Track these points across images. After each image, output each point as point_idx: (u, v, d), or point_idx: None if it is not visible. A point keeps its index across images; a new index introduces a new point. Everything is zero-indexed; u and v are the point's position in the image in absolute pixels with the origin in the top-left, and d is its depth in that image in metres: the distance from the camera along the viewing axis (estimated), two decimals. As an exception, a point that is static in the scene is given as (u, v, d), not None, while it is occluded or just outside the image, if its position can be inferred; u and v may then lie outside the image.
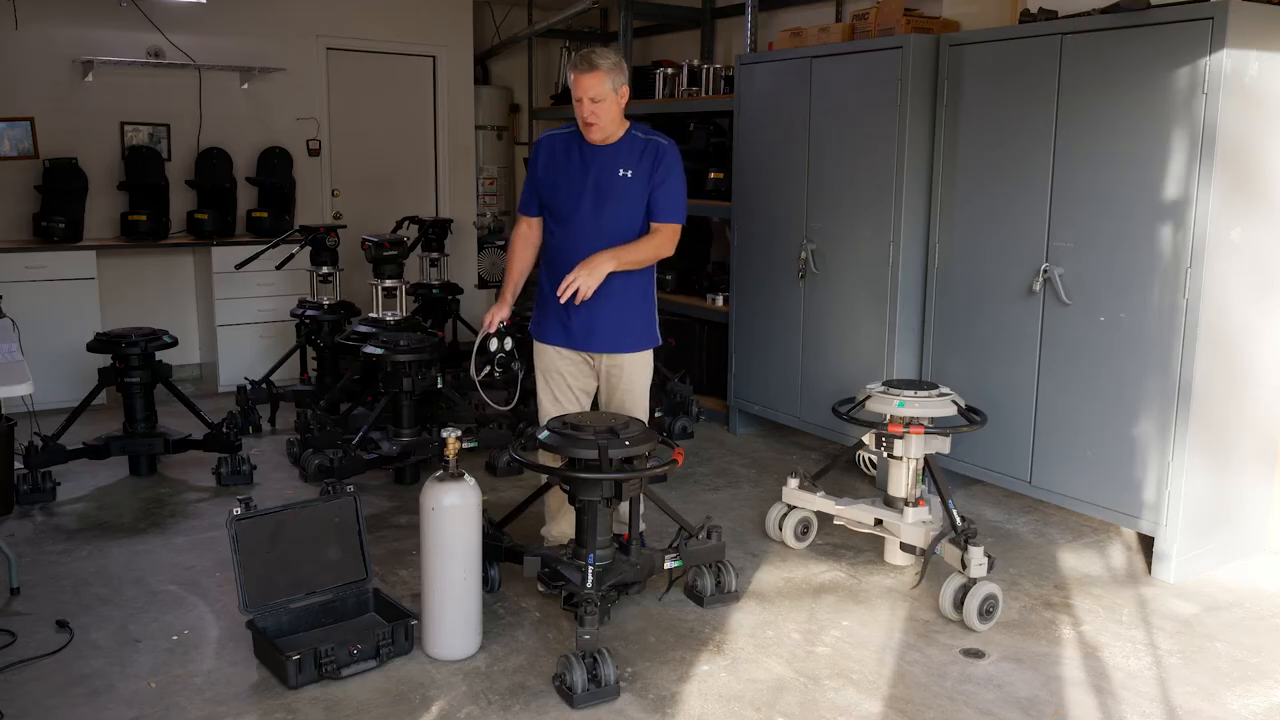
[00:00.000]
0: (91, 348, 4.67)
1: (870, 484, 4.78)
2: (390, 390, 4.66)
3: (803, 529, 4.04)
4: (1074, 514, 4.34)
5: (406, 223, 6.87)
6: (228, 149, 6.68)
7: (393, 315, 5.42)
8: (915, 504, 3.66)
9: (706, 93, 6.05)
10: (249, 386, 5.61)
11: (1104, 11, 3.77)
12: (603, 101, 3.36)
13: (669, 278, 6.15)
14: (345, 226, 6.21)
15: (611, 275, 3.43)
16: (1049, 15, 3.98)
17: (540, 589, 3.50)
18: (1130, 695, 2.98)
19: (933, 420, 3.68)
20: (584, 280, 3.33)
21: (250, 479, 4.71)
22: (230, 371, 6.36)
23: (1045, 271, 4.00)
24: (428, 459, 4.71)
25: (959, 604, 3.36)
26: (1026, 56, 4.02)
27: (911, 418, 3.66)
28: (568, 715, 2.84)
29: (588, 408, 3.71)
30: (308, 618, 3.21)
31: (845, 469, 4.93)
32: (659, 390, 5.17)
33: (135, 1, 6.26)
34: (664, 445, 3.42)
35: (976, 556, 3.31)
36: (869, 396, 3.76)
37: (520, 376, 3.64)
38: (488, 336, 3.58)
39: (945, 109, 4.38)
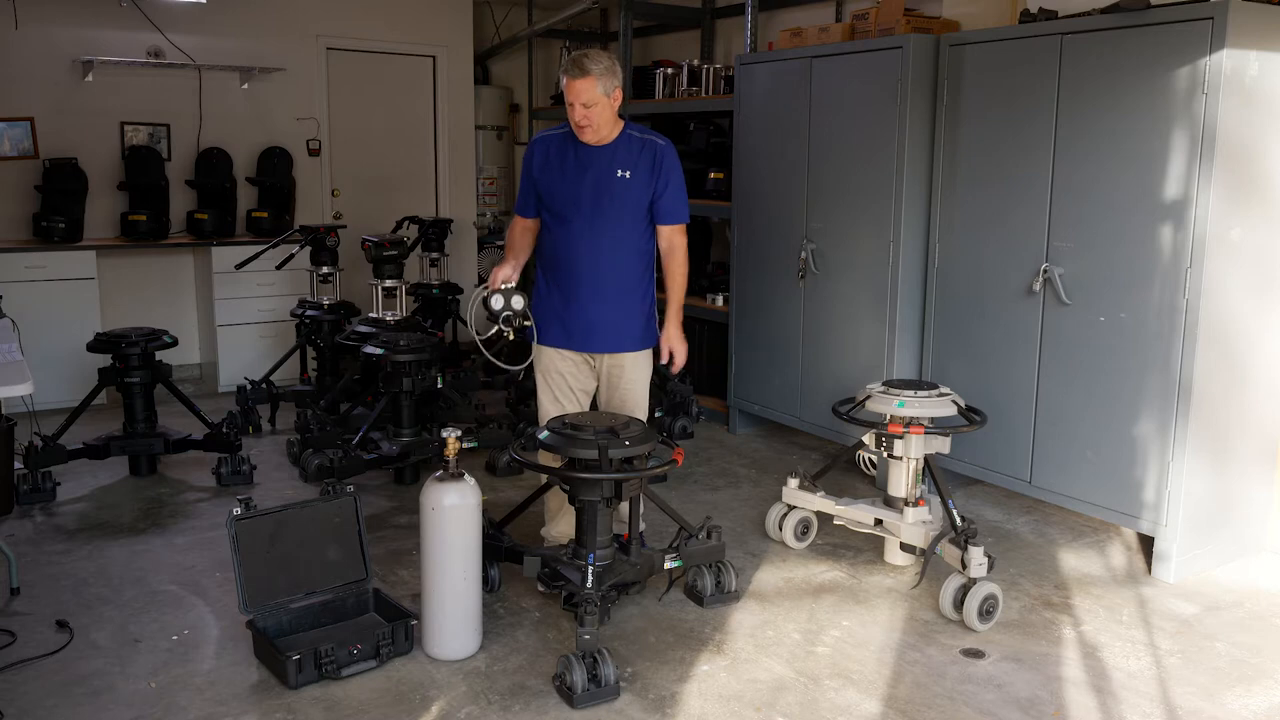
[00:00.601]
0: (91, 348, 4.67)
1: (870, 484, 4.78)
2: (390, 390, 4.66)
3: (803, 529, 4.04)
4: (1074, 514, 4.34)
5: (406, 223, 6.87)
6: (228, 149, 6.69)
7: (393, 315, 5.43)
8: (915, 504, 3.66)
9: (706, 93, 6.05)
10: (249, 386, 5.61)
11: (1104, 11, 3.77)
12: (595, 106, 3.36)
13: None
14: (345, 226, 6.22)
15: (613, 275, 3.46)
16: (1049, 15, 3.98)
17: (540, 589, 3.49)
18: (1130, 695, 2.98)
19: (933, 420, 3.68)
20: (681, 352, 3.66)
21: (250, 479, 4.71)
22: (230, 371, 6.36)
23: (1045, 271, 4.00)
24: (428, 459, 4.71)
25: (959, 604, 3.36)
26: (1026, 56, 4.02)
27: (911, 418, 3.66)
28: (568, 715, 2.84)
29: (588, 408, 3.71)
30: (308, 618, 3.21)
31: (845, 469, 4.93)
32: (659, 390, 5.17)
33: (135, 1, 6.26)
34: (664, 445, 3.42)
35: (976, 556, 3.31)
36: (869, 396, 3.76)
37: (534, 336, 3.56)
38: (492, 293, 3.45)
39: (945, 109, 4.38)
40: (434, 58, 7.59)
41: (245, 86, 6.79)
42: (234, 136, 6.75)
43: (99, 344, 4.65)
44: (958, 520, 3.50)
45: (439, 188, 7.81)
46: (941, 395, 3.69)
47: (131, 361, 4.64)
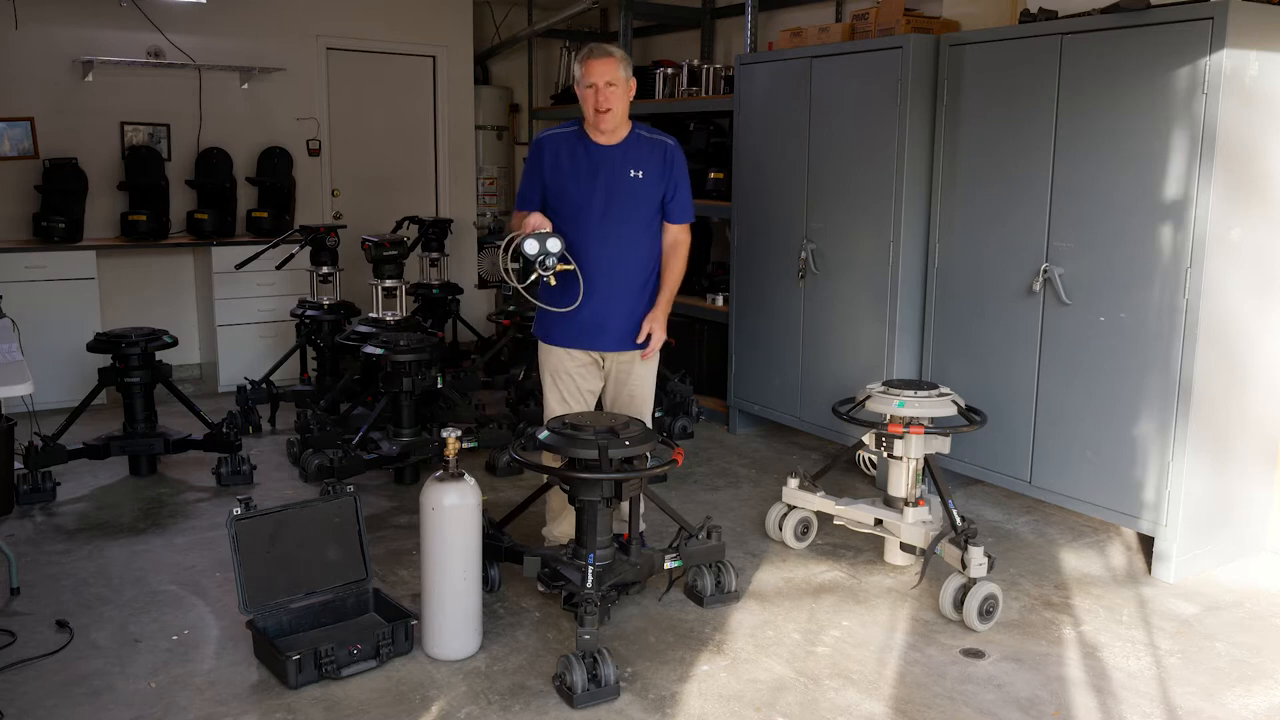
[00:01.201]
0: (91, 348, 4.67)
1: (870, 484, 4.78)
2: (390, 390, 4.65)
3: (803, 529, 4.04)
4: (1074, 514, 4.34)
5: (406, 223, 6.88)
6: (228, 149, 6.69)
7: (393, 315, 5.43)
8: (915, 504, 3.66)
9: (706, 93, 6.04)
10: (249, 386, 5.61)
11: (1104, 11, 3.77)
12: (617, 86, 3.38)
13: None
14: (345, 226, 6.22)
15: (623, 275, 3.49)
16: (1049, 15, 3.98)
17: (540, 589, 3.49)
18: (1130, 695, 2.98)
19: (933, 420, 3.68)
20: (659, 337, 3.57)
21: (250, 479, 4.71)
22: (230, 371, 6.36)
23: (1045, 271, 4.00)
24: (428, 459, 4.71)
25: (959, 604, 3.36)
26: (1026, 56, 4.02)
27: (911, 418, 3.66)
28: (568, 715, 2.84)
29: (594, 409, 3.71)
30: (308, 618, 3.21)
31: (845, 469, 4.93)
32: (659, 390, 5.17)
33: (135, 1, 6.26)
34: (664, 445, 3.42)
35: (976, 556, 3.31)
36: (869, 396, 3.76)
37: (581, 280, 3.42)
38: (525, 238, 3.29)
39: (945, 109, 4.38)
40: (434, 58, 7.60)
41: (245, 86, 6.79)
42: (234, 136, 6.75)
43: (99, 344, 4.65)
44: (958, 520, 3.49)
45: (439, 188, 7.81)
46: (941, 395, 3.68)
47: (131, 361, 4.64)
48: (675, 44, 7.33)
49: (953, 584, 3.40)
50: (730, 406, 5.66)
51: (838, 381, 4.81)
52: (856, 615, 3.46)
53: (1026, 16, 4.08)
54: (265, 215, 6.64)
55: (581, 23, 7.83)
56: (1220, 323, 3.63)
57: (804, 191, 4.97)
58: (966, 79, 4.28)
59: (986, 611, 3.34)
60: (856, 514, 3.81)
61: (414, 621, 3.16)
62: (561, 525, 3.70)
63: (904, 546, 3.77)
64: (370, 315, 5.46)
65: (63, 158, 6.13)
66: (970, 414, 3.76)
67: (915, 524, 3.63)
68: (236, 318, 6.43)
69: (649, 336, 3.56)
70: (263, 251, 5.63)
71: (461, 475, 3.07)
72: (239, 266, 5.65)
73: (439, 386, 4.80)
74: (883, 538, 3.85)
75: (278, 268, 5.91)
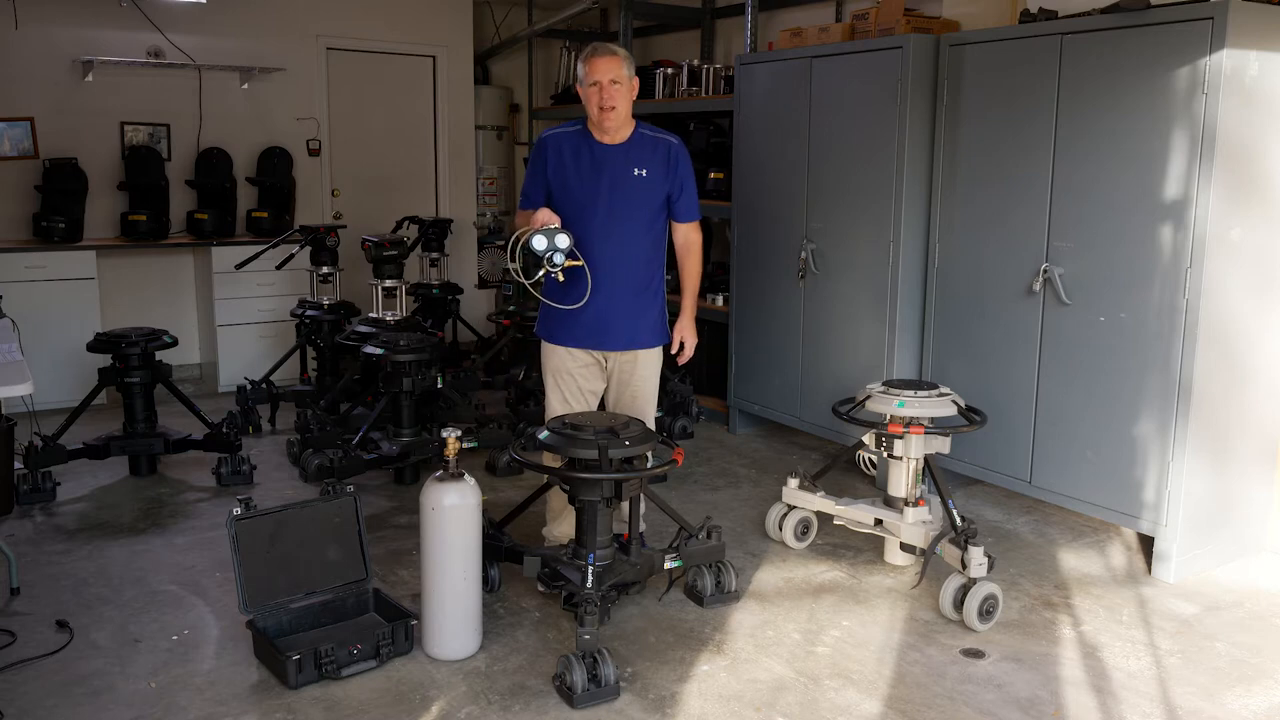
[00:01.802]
0: (91, 348, 4.67)
1: (870, 484, 4.78)
2: (390, 390, 4.65)
3: (803, 529, 4.04)
4: (1074, 514, 4.34)
5: (406, 223, 6.88)
6: (228, 149, 6.69)
7: (393, 315, 5.43)
8: (915, 504, 3.66)
9: (706, 93, 6.04)
10: (249, 386, 5.61)
11: (1104, 11, 3.77)
12: (621, 85, 3.39)
13: (669, 278, 6.11)
14: (345, 226, 6.22)
15: (627, 274, 3.50)
16: (1049, 15, 3.98)
17: (540, 589, 3.49)
18: (1130, 695, 2.98)
19: (933, 420, 3.68)
20: (692, 343, 3.74)
21: (250, 479, 4.70)
22: (230, 371, 6.36)
23: (1045, 271, 4.00)
24: (428, 459, 4.71)
25: (959, 604, 3.36)
26: (1026, 56, 4.02)
27: (911, 418, 3.66)
28: (568, 715, 2.84)
29: (595, 408, 3.71)
30: (308, 618, 3.21)
31: (845, 469, 4.93)
32: (659, 390, 5.17)
33: (135, 1, 6.26)
34: (664, 445, 3.42)
35: (976, 556, 3.31)
36: (869, 396, 3.76)
37: (589, 277, 3.41)
38: (534, 234, 3.27)
39: (945, 109, 4.38)
40: (434, 58, 7.60)
41: (245, 86, 6.79)
42: (234, 136, 6.75)
43: (99, 344, 4.65)
44: (958, 520, 3.49)
45: (439, 188, 7.81)
46: (941, 395, 3.68)
47: (131, 361, 4.64)
48: (675, 44, 7.33)
49: (953, 584, 3.40)
50: (730, 406, 5.66)
51: (838, 381, 4.81)
52: (856, 615, 3.46)
53: (1026, 16, 4.08)
54: (265, 215, 6.64)
55: (581, 23, 7.83)
56: (1220, 323, 3.63)
57: (804, 191, 4.96)
58: (966, 79, 4.28)
59: (986, 611, 3.34)
60: (856, 514, 3.81)
61: (414, 621, 3.16)
62: (561, 526, 3.70)
63: (904, 546, 3.77)
64: (370, 315, 5.47)
65: (63, 158, 6.13)
66: (970, 414, 3.76)
67: (915, 524, 3.63)
68: (236, 318, 6.43)
69: (649, 336, 3.58)
70: (263, 251, 5.63)
71: (461, 475, 3.07)
72: (239, 266, 5.65)
73: (439, 386, 4.80)
74: (883, 538, 3.85)
75: (278, 268, 5.91)
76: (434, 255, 6.81)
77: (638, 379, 3.65)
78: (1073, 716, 2.88)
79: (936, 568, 3.56)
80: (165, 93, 6.53)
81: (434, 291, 6.71)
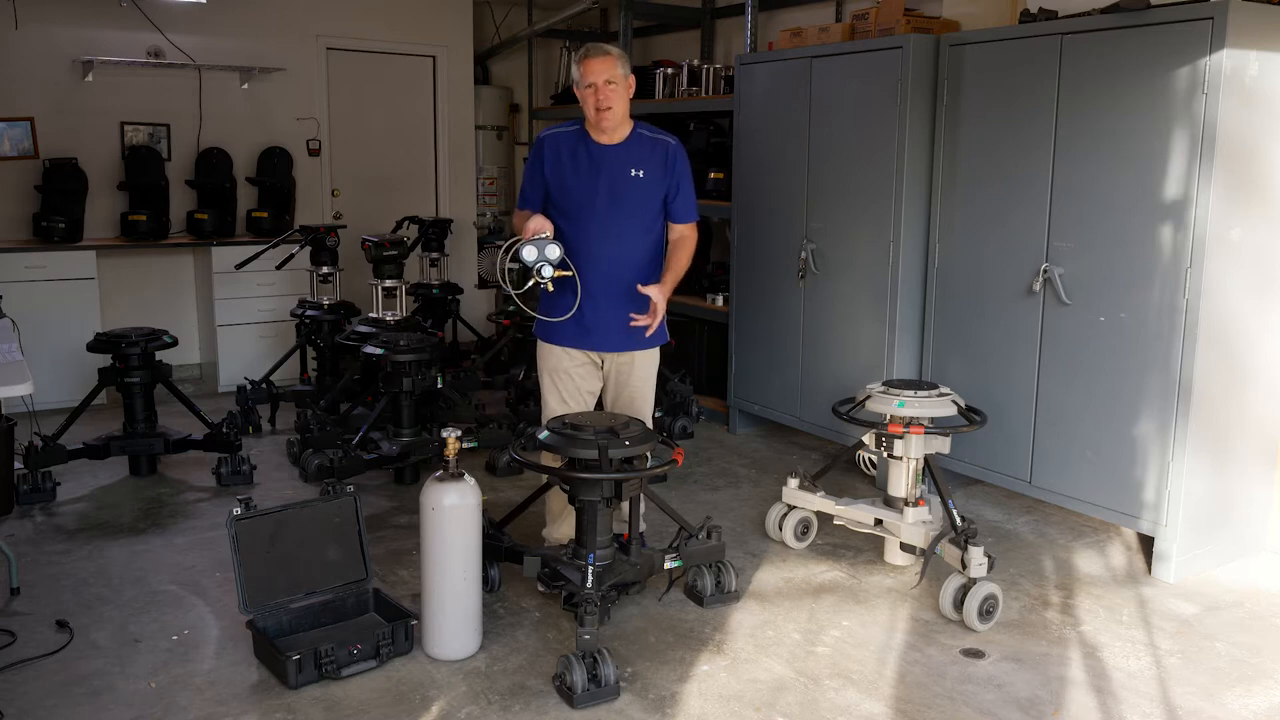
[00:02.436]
0: (91, 348, 4.67)
1: (870, 484, 4.78)
2: (390, 390, 4.65)
3: (803, 529, 4.04)
4: (1074, 514, 4.34)
5: (406, 223, 6.88)
6: (228, 149, 6.69)
7: (393, 315, 5.42)
8: (915, 504, 3.66)
9: (706, 93, 6.05)
10: (249, 386, 5.61)
11: (1104, 11, 3.77)
12: (616, 85, 3.38)
13: (669, 278, 6.13)
14: (345, 226, 6.22)
15: (624, 275, 3.48)
16: (1049, 15, 3.98)
17: (540, 589, 3.49)
18: (1130, 695, 2.98)
19: (933, 420, 3.68)
20: (660, 304, 3.44)
21: (250, 479, 4.70)
22: (230, 371, 6.36)
23: (1045, 271, 4.00)
24: (428, 459, 4.71)
25: (959, 604, 3.36)
26: (1026, 56, 4.02)
27: (911, 418, 3.66)
28: (568, 715, 2.84)
29: (593, 408, 3.70)
30: (308, 618, 3.21)
31: (845, 469, 4.93)
32: (659, 390, 5.17)
33: (135, 1, 6.26)
34: (664, 445, 3.42)
35: (976, 556, 3.31)
36: (869, 396, 3.76)
37: (581, 294, 3.39)
38: (525, 244, 3.28)
39: (945, 109, 4.38)
40: (434, 58, 7.59)
41: (245, 86, 6.79)
42: (234, 136, 6.75)
43: (99, 344, 4.65)
44: (958, 520, 3.49)
45: (439, 188, 7.81)
46: (941, 395, 3.68)
47: (131, 361, 4.64)
48: (675, 44, 7.33)
49: (953, 584, 3.40)
50: (730, 406, 5.66)
51: (838, 381, 4.81)
52: (856, 615, 3.46)
53: (1026, 16, 4.08)
54: (265, 215, 6.64)
55: (581, 23, 7.83)
56: (1220, 323, 3.63)
57: (804, 191, 4.97)
58: (966, 79, 4.28)
59: (986, 611, 3.34)
60: (856, 514, 3.81)
61: (414, 621, 3.16)
62: (561, 527, 3.70)
63: (904, 546, 3.77)
64: (370, 315, 5.46)
65: (63, 158, 6.13)
66: (970, 414, 3.76)
67: (915, 524, 3.63)
68: (236, 318, 6.43)
69: (647, 327, 3.48)
70: (263, 251, 5.63)
71: (461, 475, 3.07)
72: (239, 266, 5.65)
73: (439, 386, 4.80)
74: (883, 538, 3.85)
75: (278, 268, 5.91)
76: (434, 255, 6.82)
77: (635, 380, 3.64)
78: (1073, 716, 2.88)
79: (936, 568, 3.56)
80: (165, 93, 6.53)
81: (434, 291, 6.71)
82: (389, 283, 5.52)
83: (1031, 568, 3.87)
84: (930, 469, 3.69)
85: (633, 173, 3.47)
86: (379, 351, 4.62)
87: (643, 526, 3.75)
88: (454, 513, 3.02)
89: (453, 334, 6.94)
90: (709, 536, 3.52)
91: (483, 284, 7.92)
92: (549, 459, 3.46)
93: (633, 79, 3.47)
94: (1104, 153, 3.79)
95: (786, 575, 3.78)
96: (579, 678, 2.85)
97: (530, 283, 3.33)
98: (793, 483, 4.00)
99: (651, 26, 7.42)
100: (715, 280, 6.03)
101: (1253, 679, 3.08)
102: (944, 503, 3.59)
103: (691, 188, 3.64)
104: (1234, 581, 3.76)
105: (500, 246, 3.43)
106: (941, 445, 3.70)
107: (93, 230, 6.28)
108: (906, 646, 3.24)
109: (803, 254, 4.97)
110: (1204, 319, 3.57)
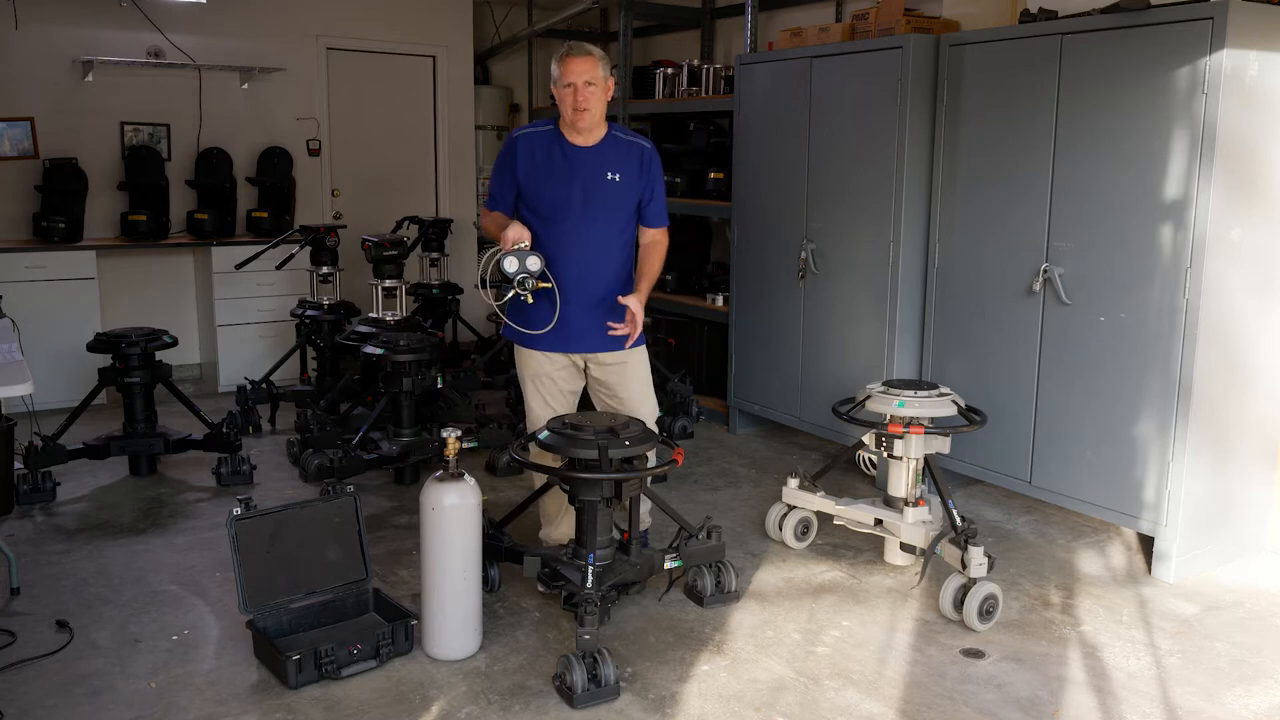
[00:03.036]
0: (91, 348, 4.67)
1: (870, 484, 4.78)
2: (390, 390, 4.65)
3: (803, 529, 4.04)
4: (1074, 514, 4.34)
5: (406, 223, 6.88)
6: (228, 149, 6.69)
7: (393, 315, 5.42)
8: (915, 504, 3.66)
9: (706, 93, 6.05)
10: (249, 386, 5.61)
11: (1104, 11, 3.77)
12: (596, 86, 3.35)
13: (669, 278, 6.14)
14: (345, 226, 6.22)
15: (601, 276, 3.48)
16: (1049, 15, 3.98)
17: (540, 589, 3.49)
18: (1130, 695, 2.98)
19: (933, 420, 3.68)
20: (638, 314, 3.40)
21: (250, 479, 4.71)
22: (230, 371, 6.36)
23: (1045, 271, 4.00)
24: (428, 459, 4.71)
25: (959, 604, 3.36)
26: (1026, 56, 4.02)
27: (911, 418, 3.66)
28: (568, 715, 2.84)
29: (575, 409, 3.69)
30: (308, 618, 3.21)
31: (845, 469, 4.93)
32: (659, 390, 5.17)
33: (135, 1, 6.26)
34: (664, 445, 3.42)
35: (976, 556, 3.31)
36: (869, 396, 3.76)
37: (559, 299, 3.40)
38: (505, 255, 3.30)
39: (945, 109, 4.38)
40: (434, 58, 7.60)
41: (245, 86, 6.79)
42: (234, 136, 6.75)
43: (99, 344, 4.65)
44: (958, 520, 3.49)
45: (439, 188, 7.81)
46: (941, 395, 3.68)
47: (131, 361, 4.64)
48: (675, 44, 7.33)
49: (953, 584, 3.40)
50: (730, 406, 5.66)
51: (838, 381, 4.81)
52: (856, 615, 3.46)
53: (1026, 16, 4.08)
54: (265, 215, 6.64)
55: (581, 23, 7.83)
56: (1220, 323, 3.63)
57: (804, 191, 4.97)
58: (966, 79, 4.28)
59: (986, 611, 3.34)
60: (856, 514, 3.81)
61: (414, 621, 3.16)
62: (559, 528, 3.70)
63: (904, 546, 3.77)
64: (370, 315, 5.46)
65: (63, 158, 6.13)
66: (970, 414, 3.76)
67: (915, 524, 3.63)
68: (236, 318, 6.43)
69: (628, 337, 3.46)
70: (263, 251, 5.63)
71: (461, 475, 3.07)
72: (239, 266, 5.65)
73: (439, 386, 4.80)
74: (883, 538, 3.85)
75: (278, 268, 5.91)
76: (434, 255, 6.81)
77: (630, 382, 3.63)
78: (1073, 716, 2.88)
79: (936, 568, 3.56)
80: (165, 93, 6.53)
81: (434, 291, 6.71)
82: (389, 283, 5.52)
83: (1031, 568, 3.87)
84: (930, 469, 3.69)
85: (609, 175, 3.45)
86: (379, 351, 4.62)
87: (648, 523, 3.76)
88: (454, 513, 3.02)
89: (453, 334, 6.94)
90: (709, 536, 3.52)
91: (483, 284, 7.92)
92: (547, 459, 3.45)
93: (612, 81, 3.43)
94: (1104, 153, 3.79)
95: (786, 575, 3.78)
96: (579, 678, 2.85)
97: (510, 294, 3.35)
98: (793, 483, 4.00)
99: (651, 26, 7.42)
100: (715, 280, 6.03)
101: (1253, 679, 3.08)
102: (944, 503, 3.59)
103: (664, 192, 3.61)
104: (1234, 581, 3.76)
105: (493, 254, 3.43)
106: (941, 445, 3.70)
107: (93, 230, 6.28)
108: (906, 646, 3.24)
109: (803, 254, 4.97)
110: (1204, 319, 3.57)
